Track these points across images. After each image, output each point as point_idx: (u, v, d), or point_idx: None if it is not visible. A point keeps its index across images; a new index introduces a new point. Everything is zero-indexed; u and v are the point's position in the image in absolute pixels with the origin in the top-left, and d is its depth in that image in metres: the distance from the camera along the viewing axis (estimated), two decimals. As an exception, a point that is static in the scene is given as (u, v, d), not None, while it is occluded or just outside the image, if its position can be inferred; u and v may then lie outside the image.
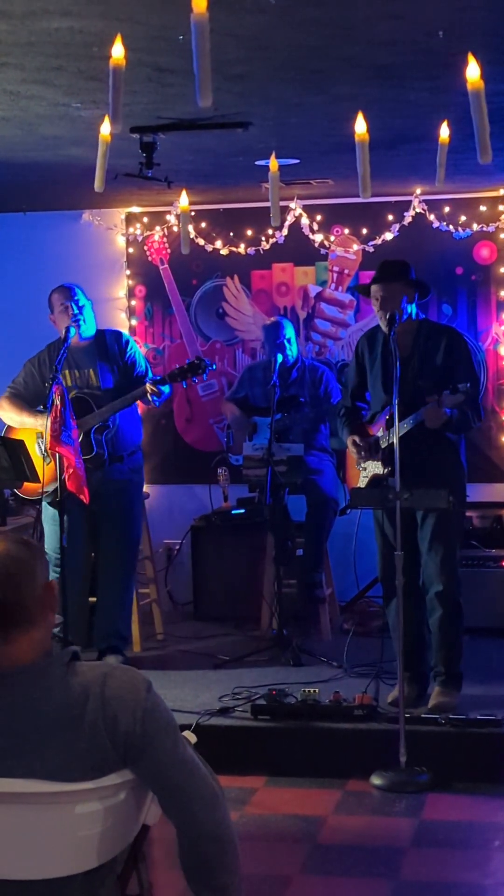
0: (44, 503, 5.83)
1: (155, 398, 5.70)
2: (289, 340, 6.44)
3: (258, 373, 6.68)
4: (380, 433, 5.21)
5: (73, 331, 5.70)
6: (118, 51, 3.03)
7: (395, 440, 4.80)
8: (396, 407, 4.77)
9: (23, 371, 5.98)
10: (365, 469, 5.29)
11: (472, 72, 3.01)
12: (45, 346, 5.96)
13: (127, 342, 5.98)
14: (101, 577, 5.99)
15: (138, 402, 5.90)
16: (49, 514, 5.80)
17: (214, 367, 6.18)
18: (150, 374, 5.97)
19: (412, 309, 5.15)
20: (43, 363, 5.89)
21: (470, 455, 5.36)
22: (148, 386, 5.67)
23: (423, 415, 4.91)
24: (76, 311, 5.75)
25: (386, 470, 5.01)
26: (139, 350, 6.07)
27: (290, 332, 6.49)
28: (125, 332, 6.11)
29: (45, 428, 5.43)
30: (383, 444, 5.14)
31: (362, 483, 5.27)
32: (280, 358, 6.33)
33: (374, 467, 5.18)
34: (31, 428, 5.83)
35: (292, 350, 6.46)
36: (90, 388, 5.78)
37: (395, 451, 4.78)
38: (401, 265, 5.20)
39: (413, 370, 5.09)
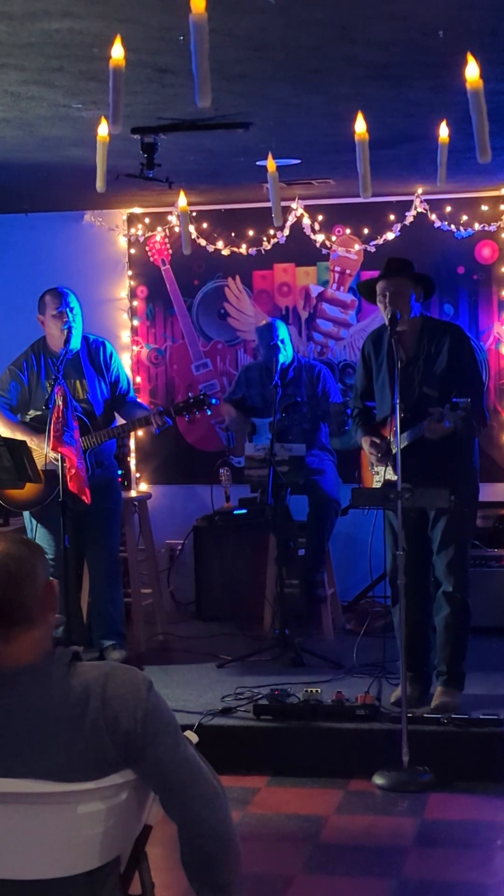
0: (25, 515, 5.84)
1: (157, 428, 5.73)
2: (282, 341, 6.38)
3: (254, 373, 6.66)
4: (389, 438, 5.18)
5: (70, 334, 5.67)
6: (117, 52, 3.03)
7: (397, 443, 4.79)
8: (398, 409, 4.76)
9: (8, 377, 5.88)
10: (378, 473, 5.27)
11: (472, 71, 3.01)
12: (29, 347, 5.92)
13: (111, 355, 5.94)
14: (92, 578, 6.00)
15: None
16: (31, 525, 5.82)
17: (217, 401, 6.17)
18: (131, 392, 5.97)
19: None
20: (30, 364, 5.84)
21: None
22: (154, 419, 5.67)
23: (423, 428, 4.90)
24: (70, 319, 5.70)
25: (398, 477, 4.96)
26: (122, 365, 6.04)
27: (283, 332, 6.44)
28: (109, 342, 6.02)
29: (46, 434, 5.40)
30: (394, 450, 5.11)
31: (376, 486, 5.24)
32: (283, 358, 6.32)
33: (388, 472, 5.16)
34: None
35: (287, 350, 6.41)
36: (78, 400, 5.71)
37: (397, 454, 4.77)
38: (405, 261, 5.20)
39: (419, 373, 5.08)
